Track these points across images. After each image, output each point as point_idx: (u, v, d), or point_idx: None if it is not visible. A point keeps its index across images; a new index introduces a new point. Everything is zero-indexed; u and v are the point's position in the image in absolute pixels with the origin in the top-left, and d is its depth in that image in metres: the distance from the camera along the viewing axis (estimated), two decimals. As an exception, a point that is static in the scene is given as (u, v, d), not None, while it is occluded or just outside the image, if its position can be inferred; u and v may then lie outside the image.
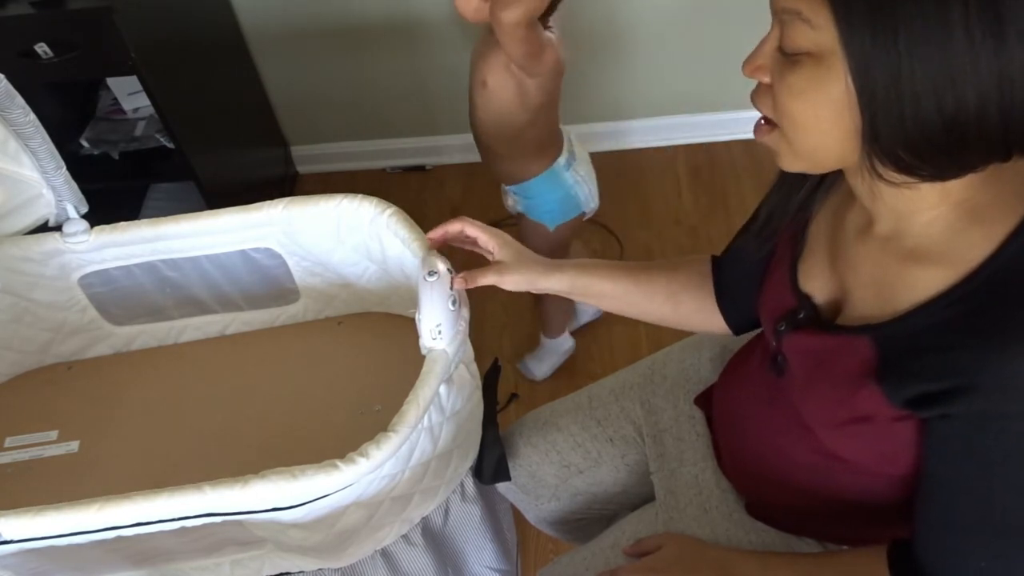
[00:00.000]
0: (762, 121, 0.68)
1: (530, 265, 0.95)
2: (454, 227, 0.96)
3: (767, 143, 0.68)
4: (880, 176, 0.61)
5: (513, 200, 1.54)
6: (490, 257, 0.96)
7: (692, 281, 0.96)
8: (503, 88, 1.31)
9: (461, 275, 0.93)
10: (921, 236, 0.65)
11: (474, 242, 0.97)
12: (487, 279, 0.94)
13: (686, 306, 0.96)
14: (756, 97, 0.67)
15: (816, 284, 0.77)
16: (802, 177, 0.77)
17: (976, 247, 0.62)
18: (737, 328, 0.96)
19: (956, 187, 0.62)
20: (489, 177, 1.55)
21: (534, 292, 0.96)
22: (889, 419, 0.67)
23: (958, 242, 0.63)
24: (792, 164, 0.68)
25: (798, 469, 0.81)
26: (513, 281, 0.94)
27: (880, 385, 0.66)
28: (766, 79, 0.64)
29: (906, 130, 0.56)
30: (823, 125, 0.61)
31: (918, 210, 0.65)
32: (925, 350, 0.63)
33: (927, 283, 0.64)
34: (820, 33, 0.57)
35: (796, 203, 0.79)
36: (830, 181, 0.78)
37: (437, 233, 0.97)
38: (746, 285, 0.89)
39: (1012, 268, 0.60)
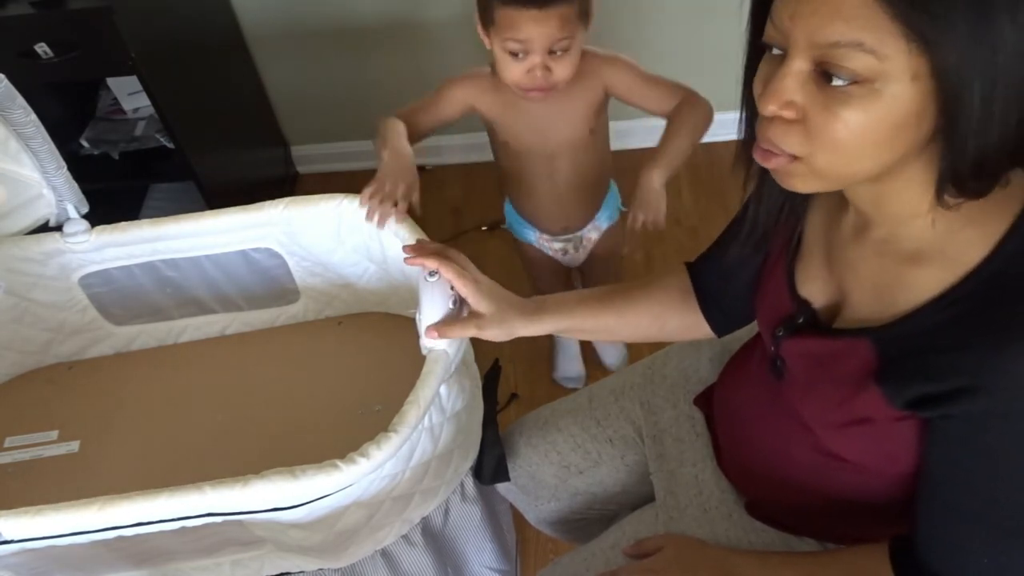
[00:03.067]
0: (770, 150, 0.62)
1: (509, 316, 0.91)
2: (431, 263, 0.89)
3: (779, 171, 0.63)
4: (940, 197, 0.59)
5: (594, 229, 1.49)
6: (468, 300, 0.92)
7: (674, 299, 0.96)
8: (602, 120, 1.34)
9: (434, 328, 0.89)
10: (918, 239, 0.65)
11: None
12: (466, 332, 0.90)
13: (672, 324, 0.97)
14: (776, 135, 0.60)
15: (813, 288, 0.77)
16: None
17: (972, 248, 0.62)
18: (723, 331, 0.96)
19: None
20: (489, 177, 1.55)
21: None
22: (890, 420, 0.67)
23: (954, 243, 0.63)
24: (807, 187, 0.63)
25: (798, 468, 0.81)
26: (493, 334, 0.91)
27: (881, 387, 0.66)
28: (792, 114, 0.59)
29: (988, 138, 0.54)
30: (873, 152, 0.58)
31: (916, 214, 0.65)
32: (925, 351, 0.63)
33: (925, 284, 0.64)
34: (886, 62, 0.53)
35: (783, 204, 0.78)
36: None
37: (415, 259, 0.90)
38: (726, 286, 0.89)
39: (1010, 267, 0.60)
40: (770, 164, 0.63)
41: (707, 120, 1.21)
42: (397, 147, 1.13)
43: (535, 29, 1.08)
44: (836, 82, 0.56)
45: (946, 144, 0.57)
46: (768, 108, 0.59)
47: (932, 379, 0.62)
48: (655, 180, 1.15)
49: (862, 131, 0.57)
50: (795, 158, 0.61)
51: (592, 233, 1.48)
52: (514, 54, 1.13)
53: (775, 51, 0.61)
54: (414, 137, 1.21)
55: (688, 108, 1.21)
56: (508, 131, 1.31)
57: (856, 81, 0.55)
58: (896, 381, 0.65)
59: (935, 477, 0.67)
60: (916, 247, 0.66)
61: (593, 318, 0.96)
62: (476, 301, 0.90)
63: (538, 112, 1.25)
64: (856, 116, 0.56)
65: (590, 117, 1.28)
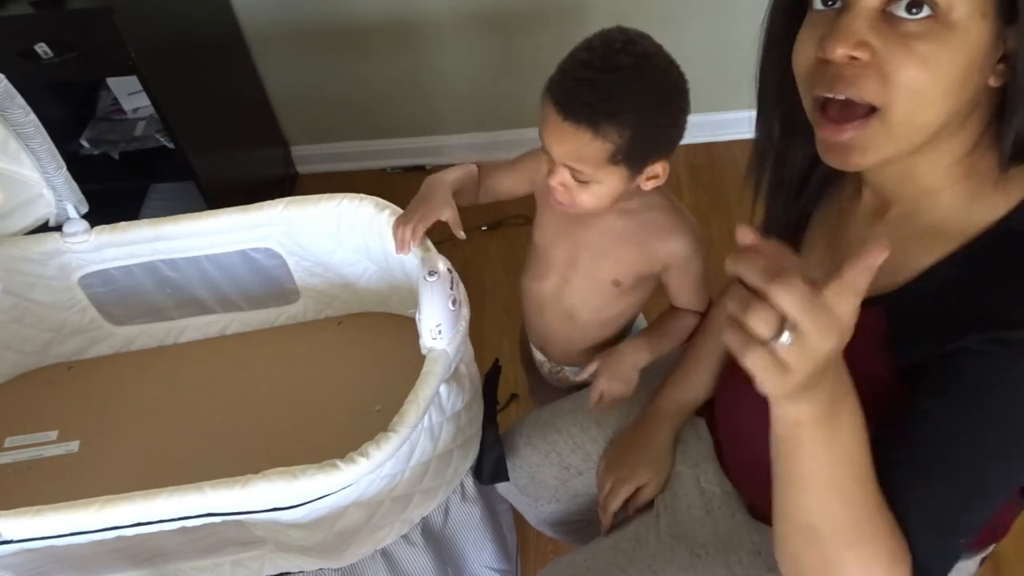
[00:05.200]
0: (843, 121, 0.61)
1: (665, 458, 1.01)
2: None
3: (852, 140, 0.61)
4: (1005, 157, 0.59)
5: (574, 372, 1.23)
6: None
7: None
8: (639, 292, 1.11)
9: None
10: (941, 211, 0.66)
11: None
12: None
13: None
14: (855, 80, 0.59)
15: (817, 274, 0.77)
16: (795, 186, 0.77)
17: (990, 212, 0.63)
18: None
19: (983, 161, 0.63)
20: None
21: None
22: (885, 389, 0.65)
23: (974, 212, 0.64)
24: (875, 155, 0.62)
25: None
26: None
27: (892, 348, 0.65)
28: (867, 56, 0.58)
29: None
30: (947, 95, 0.58)
31: (945, 186, 0.65)
32: (937, 305, 0.63)
33: (939, 249, 0.65)
34: None
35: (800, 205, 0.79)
36: (826, 177, 0.78)
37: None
38: None
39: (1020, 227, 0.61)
40: (844, 136, 0.61)
41: (688, 334, 1.10)
42: (435, 174, 1.03)
43: (552, 138, 0.90)
44: (908, 17, 0.56)
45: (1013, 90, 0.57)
46: (838, 51, 0.58)
47: (945, 329, 0.61)
48: (639, 357, 1.06)
49: (938, 68, 0.57)
50: (871, 112, 0.60)
51: (571, 374, 1.25)
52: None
53: (820, 7, 0.61)
54: (486, 189, 1.09)
55: (683, 320, 1.09)
56: (540, 215, 1.10)
57: (931, 16, 0.55)
58: (907, 340, 0.64)
59: (921, 433, 0.63)
60: (936, 219, 0.66)
61: (707, 390, 1.03)
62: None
63: (574, 219, 1.02)
64: (932, 51, 0.56)
65: (621, 272, 1.05)
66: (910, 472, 0.63)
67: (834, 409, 0.57)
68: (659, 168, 0.93)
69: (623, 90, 0.85)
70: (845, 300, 0.51)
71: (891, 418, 0.67)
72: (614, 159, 0.88)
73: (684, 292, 1.07)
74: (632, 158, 0.89)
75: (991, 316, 0.59)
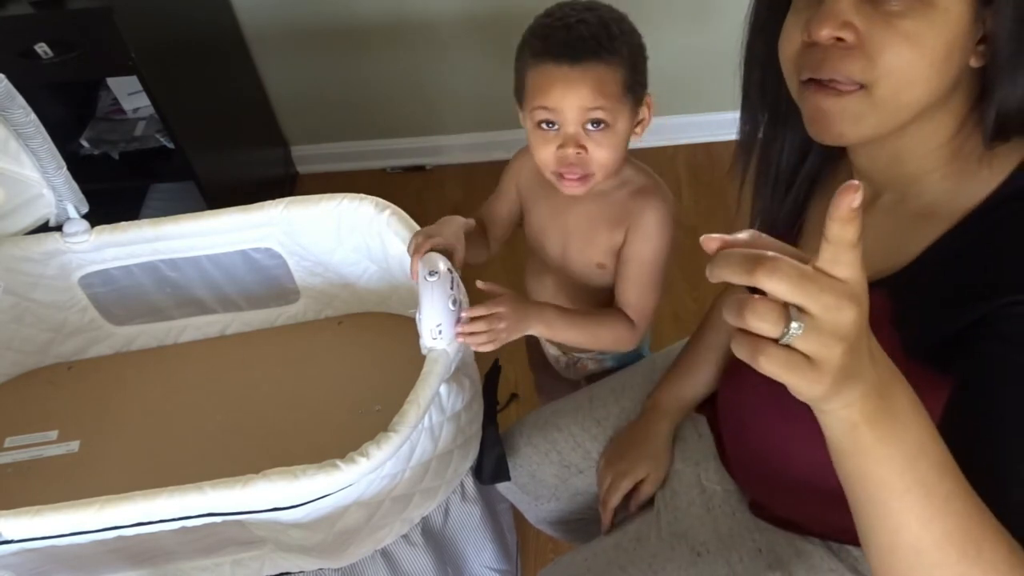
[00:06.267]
0: (835, 85, 0.62)
1: (664, 453, 1.01)
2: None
3: (836, 108, 0.62)
4: (988, 134, 0.60)
5: (593, 360, 1.23)
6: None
7: None
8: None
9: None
10: (930, 194, 0.66)
11: None
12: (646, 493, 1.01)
13: None
14: (839, 61, 0.60)
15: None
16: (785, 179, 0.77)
17: (981, 188, 0.63)
18: None
19: (968, 144, 0.64)
20: (489, 177, 1.54)
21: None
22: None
23: (964, 192, 0.64)
24: (861, 128, 0.63)
25: (809, 464, 0.80)
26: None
27: (898, 331, 0.65)
28: (852, 37, 0.59)
29: None
30: (932, 73, 0.59)
31: (932, 170, 0.66)
32: (942, 282, 0.63)
33: (935, 231, 0.65)
34: None
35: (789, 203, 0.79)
36: (816, 171, 0.78)
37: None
38: None
39: (1013, 194, 0.61)
40: (832, 98, 0.62)
41: (611, 343, 1.06)
42: (446, 216, 1.00)
43: (564, 92, 0.90)
44: None
45: (993, 65, 0.58)
46: (823, 32, 0.60)
47: (956, 304, 0.61)
48: (537, 323, 0.96)
49: (922, 45, 0.58)
50: (859, 88, 0.61)
51: (590, 363, 1.23)
52: (544, 125, 0.94)
53: None
54: (494, 228, 1.11)
55: (614, 323, 1.03)
56: (528, 214, 1.11)
57: None
58: (913, 320, 0.64)
59: (996, 409, 0.58)
60: (927, 202, 0.67)
61: (708, 388, 1.03)
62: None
63: (559, 209, 1.05)
64: (916, 28, 0.57)
65: (604, 252, 1.05)
66: (985, 453, 0.56)
67: (888, 398, 0.49)
68: (646, 108, 0.96)
69: (610, 20, 0.92)
70: (842, 259, 0.44)
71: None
72: (627, 86, 0.92)
73: (629, 276, 1.02)
74: (635, 85, 0.93)
75: (1016, 277, 0.58)
